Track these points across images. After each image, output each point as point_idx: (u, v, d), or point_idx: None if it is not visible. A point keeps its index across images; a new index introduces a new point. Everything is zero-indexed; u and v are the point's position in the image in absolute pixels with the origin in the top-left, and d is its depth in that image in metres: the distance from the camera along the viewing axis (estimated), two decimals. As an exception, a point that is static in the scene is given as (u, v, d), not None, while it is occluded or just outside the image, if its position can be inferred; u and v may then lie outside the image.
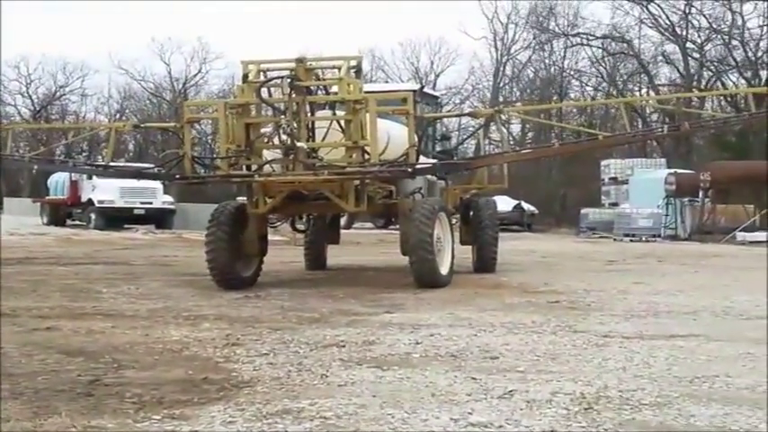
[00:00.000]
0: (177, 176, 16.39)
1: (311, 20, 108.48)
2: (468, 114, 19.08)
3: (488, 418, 5.78)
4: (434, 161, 16.53)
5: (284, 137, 13.68)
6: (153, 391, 6.54)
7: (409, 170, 14.20)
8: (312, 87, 14.10)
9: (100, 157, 34.73)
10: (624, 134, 18.14)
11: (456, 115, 20.31)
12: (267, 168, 14.14)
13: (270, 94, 14.03)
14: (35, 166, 23.01)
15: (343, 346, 8.59)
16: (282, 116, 13.79)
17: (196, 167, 15.41)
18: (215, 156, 15.16)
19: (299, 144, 13.51)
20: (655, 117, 65.27)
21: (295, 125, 13.57)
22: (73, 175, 38.25)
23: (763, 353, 8.32)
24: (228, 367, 7.55)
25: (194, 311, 11.31)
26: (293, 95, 13.51)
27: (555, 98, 69.36)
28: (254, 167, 14.17)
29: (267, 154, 14.26)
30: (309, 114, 13.96)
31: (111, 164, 19.43)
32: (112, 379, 7.01)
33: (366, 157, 13.79)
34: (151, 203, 38.58)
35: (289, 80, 13.53)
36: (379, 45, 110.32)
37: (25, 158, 19.58)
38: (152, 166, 38.57)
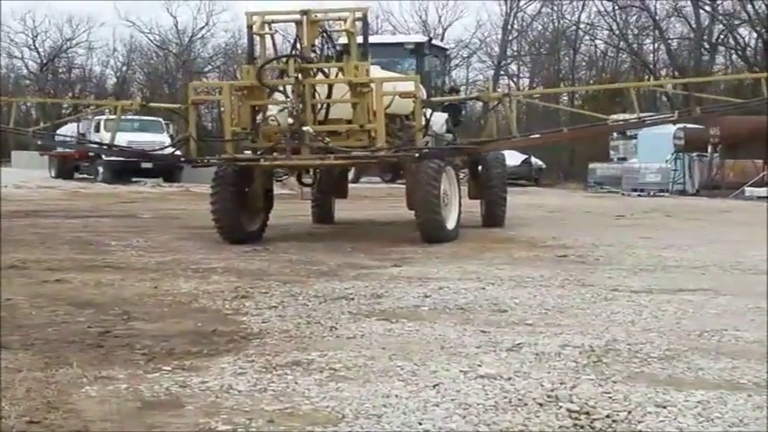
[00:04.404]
0: (183, 159, 16.53)
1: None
2: (476, 98, 18.96)
3: (497, 370, 5.81)
4: (444, 114, 16.54)
5: (290, 119, 13.63)
6: (163, 342, 6.59)
7: (416, 155, 14.13)
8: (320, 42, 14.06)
9: (108, 111, 34.54)
10: (634, 120, 18.04)
11: (464, 99, 20.15)
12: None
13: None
14: (39, 141, 23.09)
15: (352, 299, 8.63)
16: (288, 98, 13.71)
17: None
18: (220, 138, 15.01)
19: (304, 128, 13.46)
20: (664, 72, 64.94)
21: (301, 107, 13.50)
22: (81, 127, 38.13)
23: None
24: (238, 319, 7.59)
25: (203, 264, 11.34)
26: (299, 77, 13.42)
27: (564, 53, 68.95)
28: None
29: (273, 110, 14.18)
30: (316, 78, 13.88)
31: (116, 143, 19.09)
32: (122, 330, 7.06)
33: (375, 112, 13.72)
34: (159, 157, 38.30)
35: (294, 61, 13.45)
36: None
37: (29, 132, 19.55)
38: (159, 119, 38.87)
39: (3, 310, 7.89)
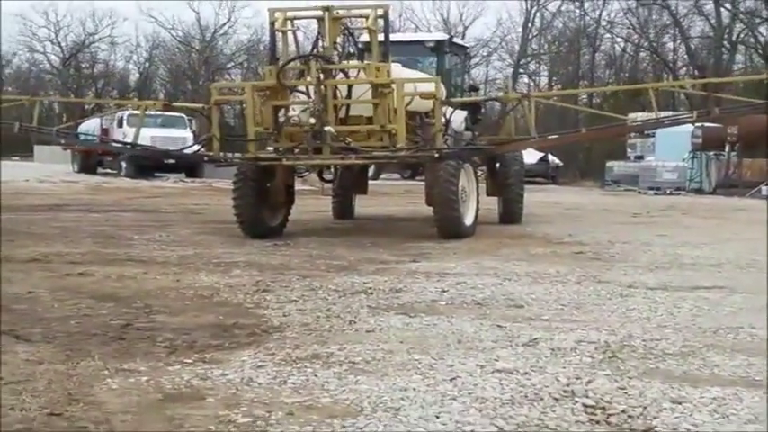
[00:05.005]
0: (206, 158, 16.66)
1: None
2: (496, 99, 18.97)
3: (514, 364, 5.81)
4: (463, 113, 16.55)
5: (312, 119, 13.65)
6: (184, 335, 6.60)
7: (436, 155, 14.13)
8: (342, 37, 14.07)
9: (131, 106, 34.67)
10: (653, 121, 17.95)
11: (484, 99, 20.02)
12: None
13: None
14: (62, 140, 23.20)
15: (371, 294, 8.64)
16: (310, 99, 13.72)
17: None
18: (243, 137, 15.00)
19: (326, 128, 13.49)
20: (683, 71, 64.60)
21: (322, 107, 13.52)
22: (104, 122, 38.17)
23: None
24: (258, 313, 7.60)
25: (225, 258, 11.36)
26: (321, 77, 13.43)
27: (584, 51, 68.67)
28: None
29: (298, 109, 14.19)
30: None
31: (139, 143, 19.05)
32: (144, 323, 7.08)
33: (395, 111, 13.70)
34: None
35: (316, 61, 13.45)
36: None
37: (53, 131, 19.65)
38: (182, 115, 38.85)
39: (25, 302, 7.93)
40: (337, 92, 13.83)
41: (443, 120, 14.65)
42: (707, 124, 37.15)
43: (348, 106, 14.06)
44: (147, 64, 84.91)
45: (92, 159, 42.41)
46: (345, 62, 14.17)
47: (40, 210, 19.32)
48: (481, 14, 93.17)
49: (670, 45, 67.56)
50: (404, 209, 21.89)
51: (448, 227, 14.05)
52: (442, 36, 19.71)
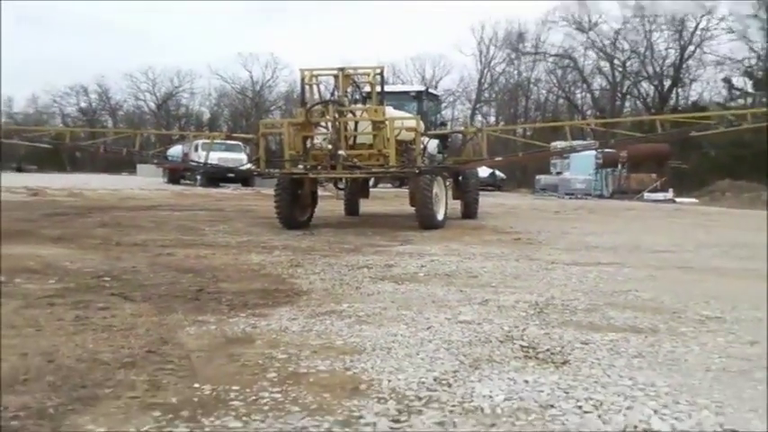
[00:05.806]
0: (255, 173, 16.77)
1: (352, 41, 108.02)
2: (459, 132, 19.02)
3: (471, 317, 5.79)
4: (436, 141, 16.56)
5: (329, 146, 13.67)
6: (240, 297, 6.57)
7: (416, 171, 14.13)
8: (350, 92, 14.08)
9: (203, 137, 34.81)
10: (568, 148, 18.38)
11: (451, 132, 19.97)
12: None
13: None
14: (155, 160, 23.42)
15: (371, 268, 8.60)
16: (328, 131, 13.78)
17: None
18: (281, 158, 15.05)
19: (339, 152, 13.54)
20: (589, 112, 64.83)
21: (336, 137, 13.56)
22: (185, 148, 38.17)
23: (663, 275, 8.31)
24: (292, 281, 7.56)
25: (269, 243, 11.32)
26: (336, 116, 13.47)
27: (520, 99, 68.98)
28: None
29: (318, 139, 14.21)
30: (348, 123, 13.92)
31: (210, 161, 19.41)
32: (213, 289, 7.04)
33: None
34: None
35: (333, 105, 13.47)
36: (397, 59, 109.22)
37: (150, 154, 19.79)
38: (239, 143, 38.79)
39: (130, 274, 7.90)
40: (347, 126, 13.84)
41: (422, 146, 14.68)
42: (606, 150, 37.22)
43: (355, 137, 14.08)
44: (215, 107, 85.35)
45: (177, 174, 42.55)
46: (353, 106, 14.23)
47: (141, 209, 19.25)
48: (448, 72, 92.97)
49: (579, 95, 67.99)
50: (394, 208, 21.84)
51: (425, 221, 14.03)
52: (421, 87, 19.68)
